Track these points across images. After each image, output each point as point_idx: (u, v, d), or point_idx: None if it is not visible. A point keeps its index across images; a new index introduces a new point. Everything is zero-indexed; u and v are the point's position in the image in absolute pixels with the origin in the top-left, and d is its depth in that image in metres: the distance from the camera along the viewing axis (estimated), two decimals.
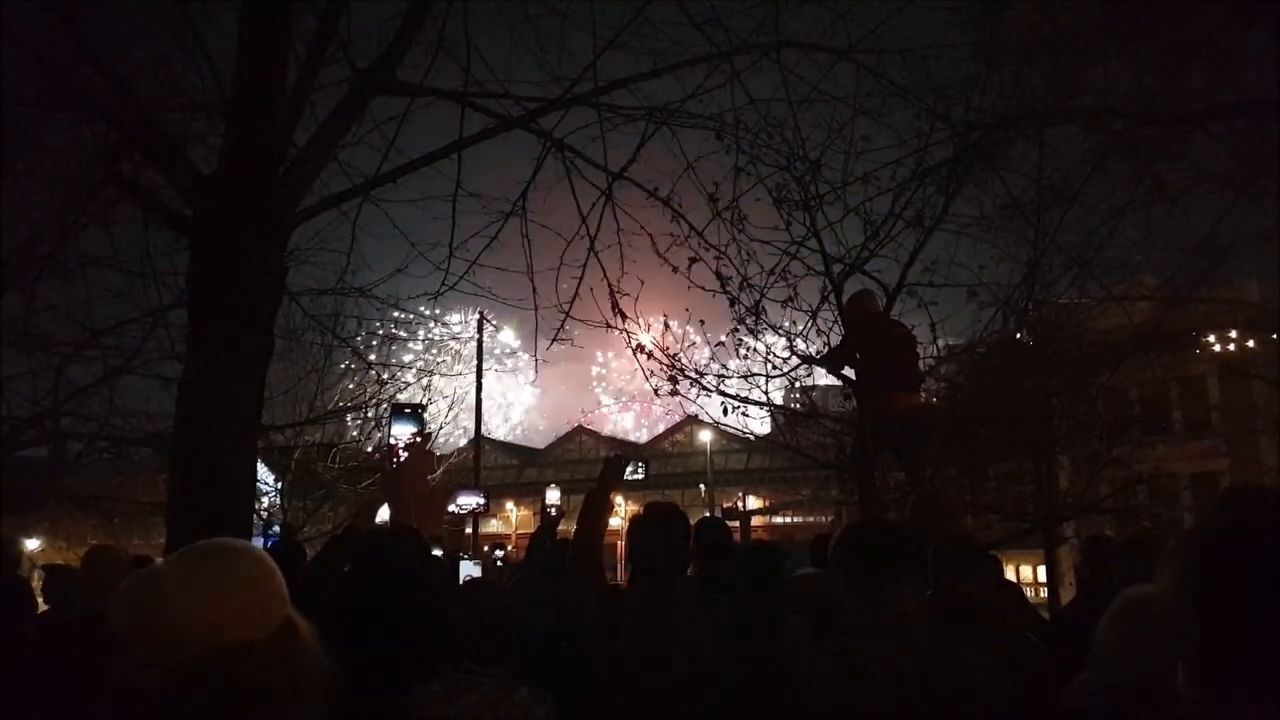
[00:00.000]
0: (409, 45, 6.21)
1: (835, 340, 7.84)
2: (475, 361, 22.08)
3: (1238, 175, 8.29)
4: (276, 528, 17.87)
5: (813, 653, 2.89)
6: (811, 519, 26.88)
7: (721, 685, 3.07)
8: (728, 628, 3.24)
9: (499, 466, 50.08)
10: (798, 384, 9.41)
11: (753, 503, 38.62)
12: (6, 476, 12.04)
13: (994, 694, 2.54)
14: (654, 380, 8.26)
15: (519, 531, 44.58)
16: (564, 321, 7.35)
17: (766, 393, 8.86)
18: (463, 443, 27.09)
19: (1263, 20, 6.99)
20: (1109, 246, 9.26)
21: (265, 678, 1.39)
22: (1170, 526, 15.75)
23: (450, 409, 21.36)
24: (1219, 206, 8.87)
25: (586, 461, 47.25)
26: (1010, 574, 12.78)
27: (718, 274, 7.64)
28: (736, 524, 24.97)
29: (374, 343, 13.24)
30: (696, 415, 10.28)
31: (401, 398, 15.04)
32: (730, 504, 36.37)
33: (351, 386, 18.16)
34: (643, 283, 7.66)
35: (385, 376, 15.21)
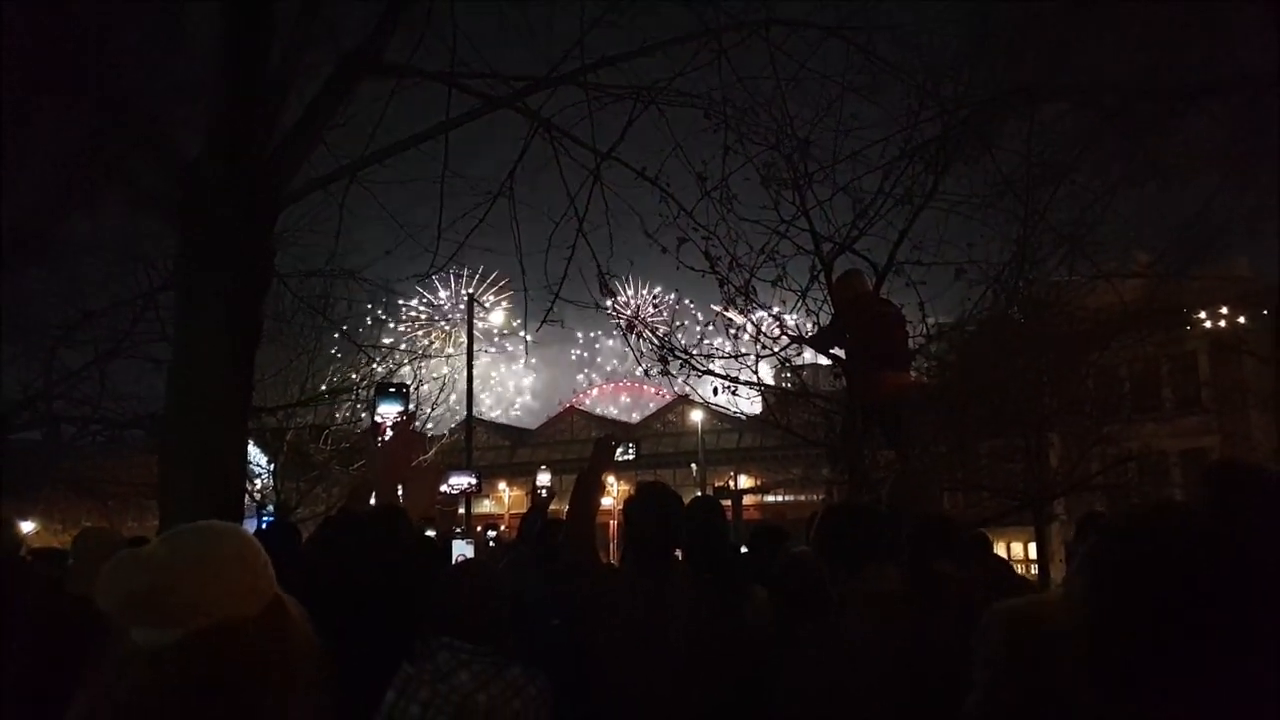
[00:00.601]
0: (395, 26, 6.17)
1: (824, 320, 7.85)
2: (465, 344, 22.06)
3: (1232, 152, 8.28)
4: (270, 507, 17.92)
5: (805, 630, 2.94)
6: (803, 497, 26.96)
7: (710, 662, 3.10)
8: (698, 603, 3.28)
9: (491, 447, 50.21)
10: (788, 363, 9.41)
11: (744, 482, 38.76)
12: (2, 460, 12.03)
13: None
14: (644, 361, 8.27)
15: (511, 512, 44.72)
16: (553, 303, 7.35)
17: (756, 372, 8.86)
18: (455, 423, 27.09)
19: None
20: (1101, 224, 9.27)
21: (257, 654, 1.41)
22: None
23: (442, 390, 21.42)
24: (1212, 184, 8.88)
25: (578, 442, 47.38)
26: (1001, 551, 12.86)
27: (706, 254, 7.63)
28: (728, 502, 25.08)
29: (364, 325, 13.25)
30: (687, 395, 10.30)
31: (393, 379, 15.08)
32: (722, 483, 36.49)
33: (342, 368, 18.18)
34: (632, 263, 7.67)
35: (376, 358, 15.23)
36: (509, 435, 54.49)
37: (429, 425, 21.35)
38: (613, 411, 61.36)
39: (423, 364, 19.87)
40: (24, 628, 3.64)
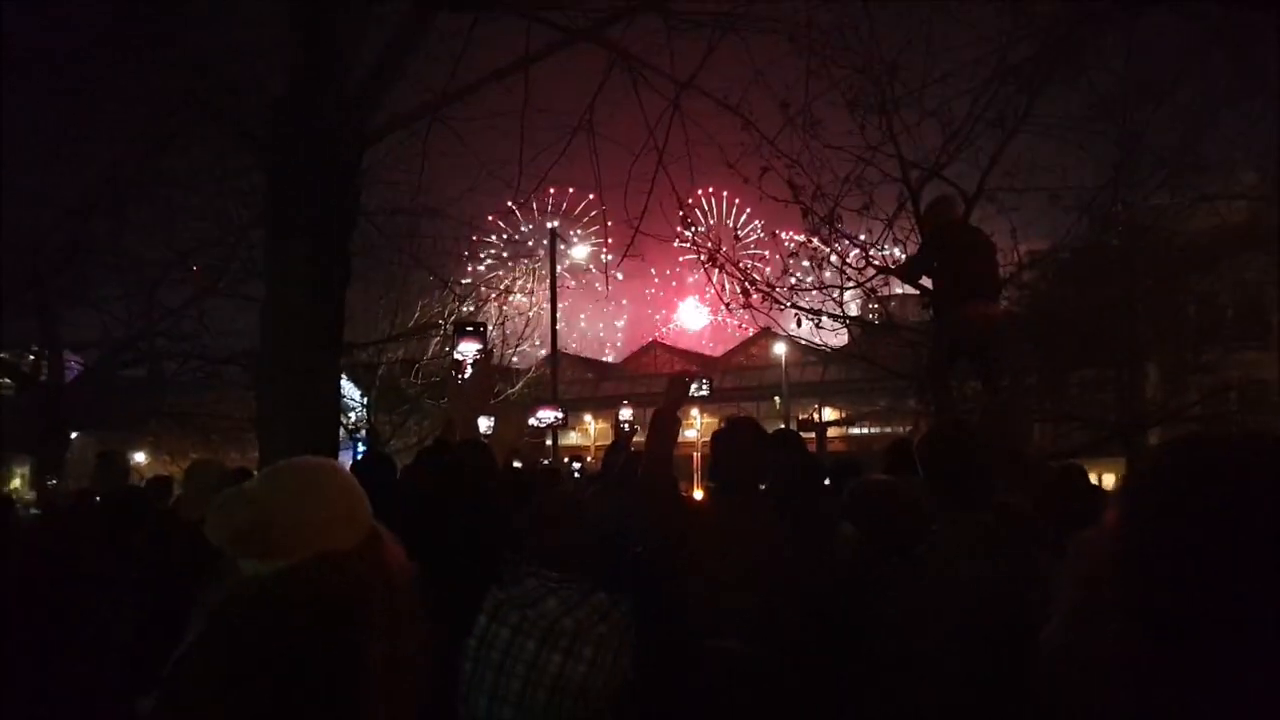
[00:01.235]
0: None
1: (912, 249, 7.68)
2: (549, 278, 22.18)
3: None
4: (363, 434, 18.43)
5: (901, 570, 2.91)
6: (889, 430, 26.69)
7: (787, 593, 3.12)
8: (786, 536, 3.29)
9: (576, 380, 50.69)
10: (874, 294, 9.25)
11: (829, 414, 38.50)
12: (111, 395, 12.60)
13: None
14: (726, 294, 8.22)
15: (597, 444, 45.29)
16: (634, 236, 7.33)
17: (841, 304, 8.75)
18: (540, 358, 27.43)
19: None
20: (1205, 144, 8.84)
21: (357, 583, 1.47)
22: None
23: (526, 326, 21.65)
24: None
25: (661, 375, 47.42)
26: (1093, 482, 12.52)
27: (790, 183, 7.50)
28: (812, 435, 24.96)
29: (449, 261, 13.42)
30: (769, 328, 10.22)
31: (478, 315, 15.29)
32: (806, 416, 36.30)
33: (429, 304, 18.49)
34: (713, 192, 7.58)
35: (461, 294, 15.43)
36: (594, 369, 54.91)
37: (514, 359, 21.64)
38: (698, 344, 61.30)
39: (507, 300, 20.08)
40: (141, 552, 3.84)
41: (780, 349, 37.79)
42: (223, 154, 6.96)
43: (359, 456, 14.05)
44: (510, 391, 20.52)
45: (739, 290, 8.29)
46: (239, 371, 13.06)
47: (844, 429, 36.02)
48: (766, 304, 8.45)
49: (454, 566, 3.00)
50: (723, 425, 3.62)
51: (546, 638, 2.83)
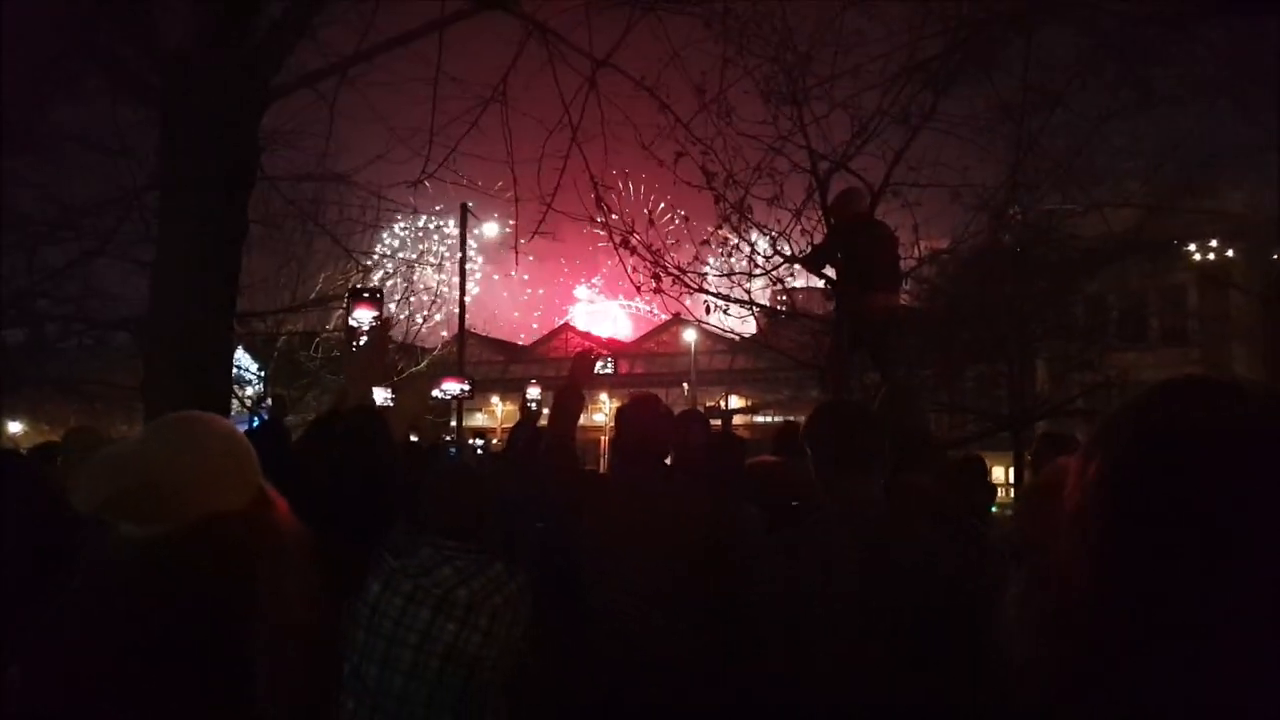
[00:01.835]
0: None
1: (819, 240, 7.83)
2: (460, 254, 21.90)
3: (1230, 82, 8.16)
4: (269, 400, 17.94)
5: (771, 544, 2.94)
6: (792, 418, 27.18)
7: (689, 569, 3.16)
8: (689, 515, 3.32)
9: (484, 361, 50.21)
10: (781, 284, 9.40)
11: (735, 402, 39.02)
12: None
13: (941, 575, 2.60)
14: (636, 276, 8.24)
15: (503, 425, 44.95)
16: (545, 213, 7.29)
17: (749, 291, 8.87)
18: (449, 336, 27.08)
19: None
20: (1097, 153, 9.21)
21: (248, 545, 1.40)
22: None
23: (434, 302, 21.36)
24: (1210, 115, 8.77)
25: (571, 359, 47.35)
26: None
27: (704, 169, 7.56)
28: (718, 422, 25.24)
29: (356, 231, 13.13)
30: (679, 314, 10.29)
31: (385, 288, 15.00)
32: (713, 403, 36.74)
33: (334, 276, 18.09)
34: (628, 174, 7.60)
35: (367, 265, 15.13)
36: (503, 350, 54.47)
37: (421, 334, 21.35)
38: (612, 327, 61.35)
39: (414, 273, 19.77)
40: (14, 521, 3.66)
41: (690, 336, 38.16)
42: (116, 107, 6.64)
43: (255, 423, 13.67)
44: (415, 368, 20.24)
45: (650, 276, 8.32)
46: (127, 338, 12.57)
47: (749, 417, 36.59)
48: (677, 289, 8.50)
49: (341, 534, 2.95)
50: (626, 401, 3.66)
51: (441, 606, 2.81)
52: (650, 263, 8.26)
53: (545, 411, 6.87)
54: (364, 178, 9.52)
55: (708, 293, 8.61)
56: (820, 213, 7.93)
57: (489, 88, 7.07)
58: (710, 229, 8.45)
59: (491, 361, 51.82)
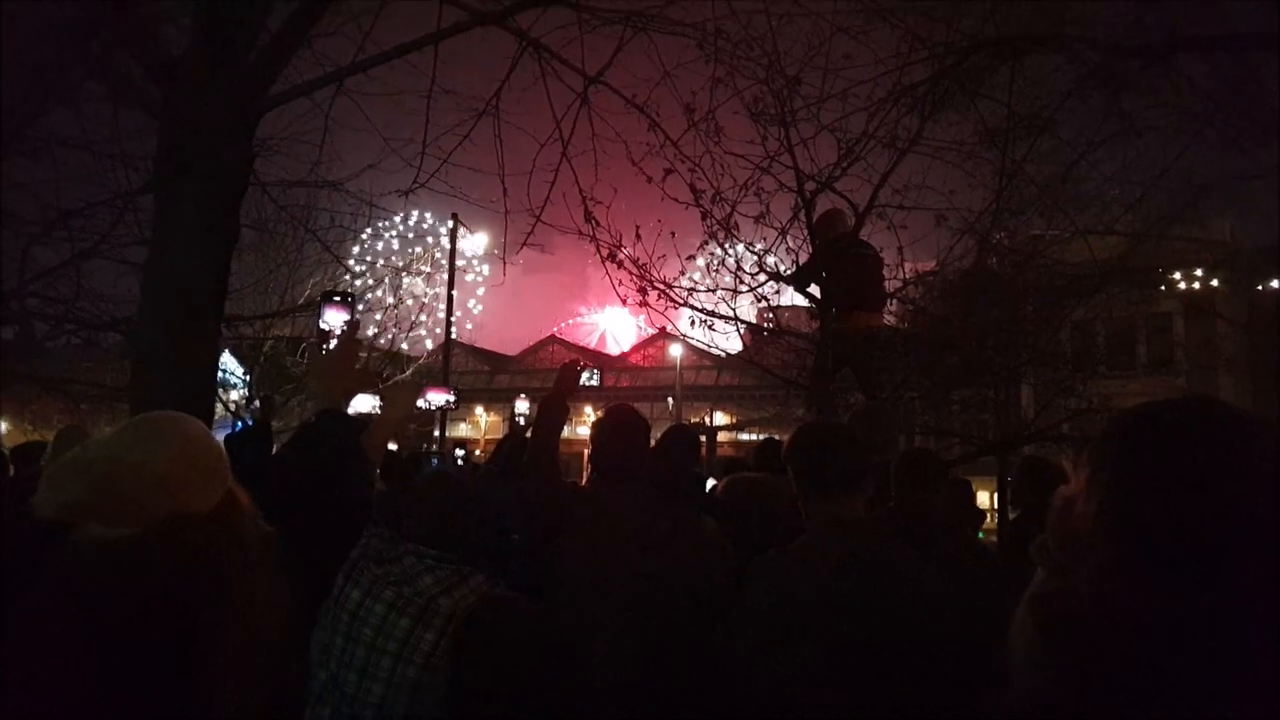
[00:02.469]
0: None
1: (804, 259, 7.90)
2: (448, 263, 21.93)
3: (1216, 113, 8.28)
4: (257, 403, 17.89)
5: (756, 564, 2.96)
6: (776, 436, 27.19)
7: (659, 584, 3.19)
8: (645, 525, 3.34)
9: (470, 371, 50.19)
10: (766, 301, 9.46)
11: (720, 419, 39.09)
12: None
13: (928, 596, 2.63)
14: (623, 290, 8.30)
15: (487, 436, 44.92)
16: (534, 225, 7.36)
17: (734, 308, 8.92)
18: (432, 345, 27.07)
19: None
20: (1084, 180, 9.31)
21: (214, 548, 1.38)
22: None
23: (421, 310, 21.38)
24: (1194, 146, 8.88)
25: (557, 370, 47.27)
26: None
27: (692, 186, 7.64)
28: (703, 439, 25.25)
29: (347, 238, 13.16)
30: (665, 328, 10.34)
31: (372, 295, 15.00)
32: (697, 419, 36.78)
33: (323, 281, 18.08)
34: (615, 191, 7.67)
35: (357, 272, 15.16)
36: (489, 360, 54.44)
37: (403, 344, 21.33)
38: (602, 340, 61.37)
39: (402, 281, 19.80)
40: None
41: (676, 351, 38.23)
42: (115, 113, 6.68)
43: (236, 429, 13.62)
44: (400, 376, 20.23)
45: (636, 289, 8.37)
46: (116, 339, 12.53)
47: (734, 434, 36.62)
48: (663, 303, 8.54)
49: (314, 538, 2.98)
50: (601, 414, 3.68)
51: (421, 615, 2.84)
52: (637, 276, 8.31)
53: (526, 420, 6.94)
54: (356, 185, 9.57)
55: (692, 306, 8.67)
56: (806, 232, 8.01)
57: (481, 100, 7.17)
58: (697, 244, 8.51)
59: (477, 371, 51.79)
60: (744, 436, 36.55)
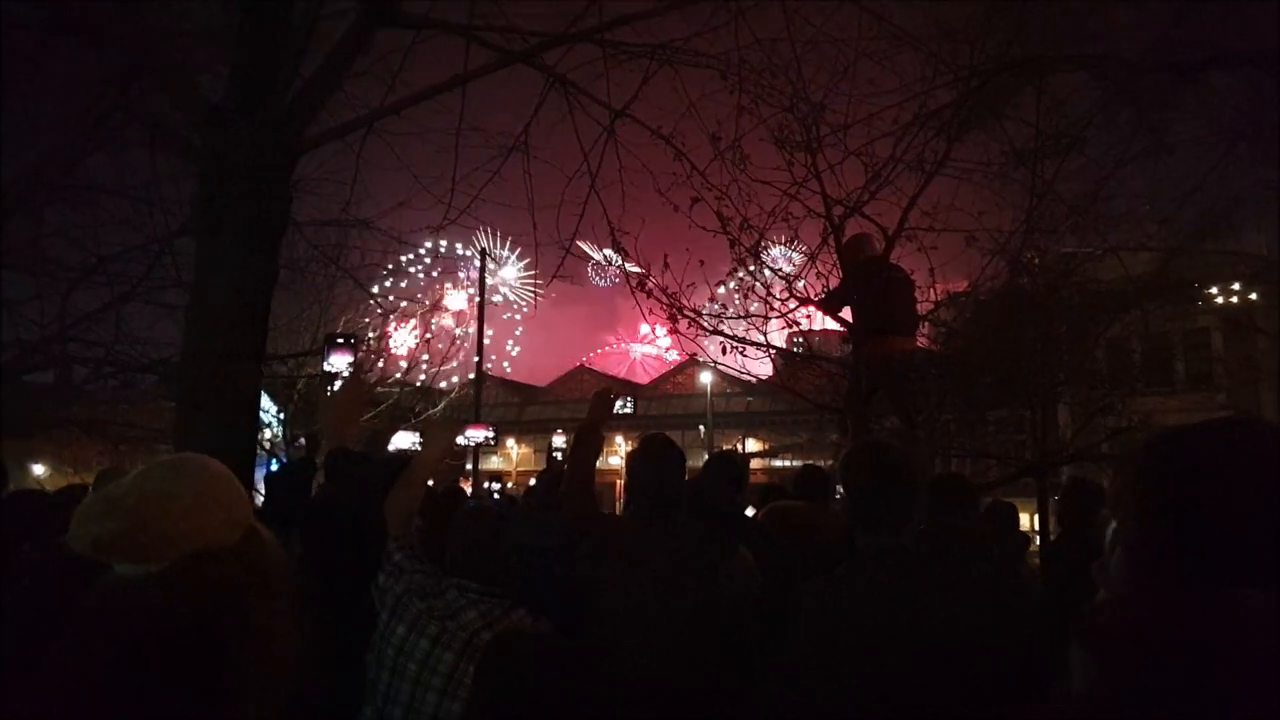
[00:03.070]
0: None
1: (834, 283, 7.89)
2: (479, 297, 22.12)
3: (1245, 128, 8.21)
4: (302, 441, 17.99)
5: (804, 591, 2.92)
6: (810, 462, 26.97)
7: (686, 616, 3.15)
8: (684, 558, 3.31)
9: (500, 404, 50.32)
10: (797, 326, 9.45)
11: (752, 445, 38.86)
12: (10, 399, 12.13)
13: (983, 621, 2.60)
14: (653, 319, 8.32)
15: (519, 469, 44.98)
16: (564, 258, 7.42)
17: (765, 334, 8.91)
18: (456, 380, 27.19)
19: None
20: (1115, 197, 9.24)
21: (238, 580, 1.43)
22: None
23: (453, 344, 21.54)
24: (1228, 159, 8.80)
25: (588, 401, 47.29)
26: None
27: (719, 214, 7.66)
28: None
29: (377, 276, 13.30)
30: (695, 355, 10.34)
31: (403, 332, 15.13)
32: (730, 446, 36.57)
33: (354, 318, 18.26)
34: (644, 221, 7.72)
35: (387, 309, 15.29)
36: (519, 392, 54.59)
37: (437, 379, 21.46)
38: (631, 369, 61.35)
39: (432, 316, 19.95)
40: (25, 567, 3.68)
41: (706, 378, 38.12)
42: (154, 159, 6.83)
43: (281, 461, 13.69)
44: (432, 412, 20.35)
45: (667, 318, 8.39)
46: (154, 381, 12.71)
47: (766, 461, 36.37)
48: (693, 330, 8.56)
49: (334, 572, 3.00)
50: (637, 444, 3.67)
51: (465, 650, 2.85)
52: (666, 305, 8.34)
53: (564, 456, 6.94)
54: (386, 223, 9.71)
55: (723, 334, 8.67)
56: (835, 256, 8.00)
57: (510, 136, 7.27)
58: (726, 272, 8.53)
59: (508, 403, 51.91)
60: (777, 463, 36.32)
